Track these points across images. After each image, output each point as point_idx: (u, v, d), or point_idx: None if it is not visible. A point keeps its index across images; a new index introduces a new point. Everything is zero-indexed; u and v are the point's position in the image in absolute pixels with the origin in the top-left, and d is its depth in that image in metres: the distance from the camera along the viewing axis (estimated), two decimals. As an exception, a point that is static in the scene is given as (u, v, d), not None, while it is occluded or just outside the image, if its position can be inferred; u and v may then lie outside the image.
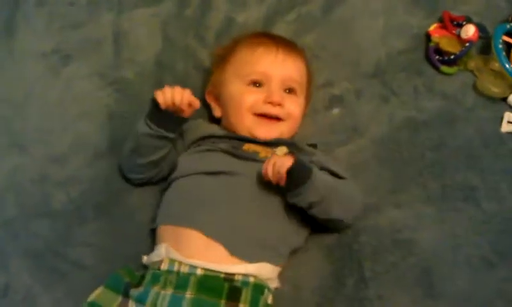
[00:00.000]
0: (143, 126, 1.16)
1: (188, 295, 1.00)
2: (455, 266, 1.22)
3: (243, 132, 1.22)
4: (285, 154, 1.18)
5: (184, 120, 1.18)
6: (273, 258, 1.11)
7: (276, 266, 1.12)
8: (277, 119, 1.21)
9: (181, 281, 1.02)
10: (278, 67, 1.22)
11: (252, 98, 1.21)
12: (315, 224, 1.18)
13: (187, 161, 1.19)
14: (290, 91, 1.23)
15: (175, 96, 1.13)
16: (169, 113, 1.14)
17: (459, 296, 1.20)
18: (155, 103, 1.13)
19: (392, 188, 1.28)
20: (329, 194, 1.09)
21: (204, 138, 1.23)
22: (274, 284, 1.12)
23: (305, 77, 1.28)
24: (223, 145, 1.19)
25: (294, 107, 1.23)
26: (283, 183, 1.05)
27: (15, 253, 1.23)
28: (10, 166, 1.30)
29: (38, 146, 1.31)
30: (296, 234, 1.17)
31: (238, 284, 1.04)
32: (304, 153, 1.21)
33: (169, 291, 1.01)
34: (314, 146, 1.27)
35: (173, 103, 1.13)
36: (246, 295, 1.02)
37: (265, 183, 1.11)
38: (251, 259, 1.07)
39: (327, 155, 1.28)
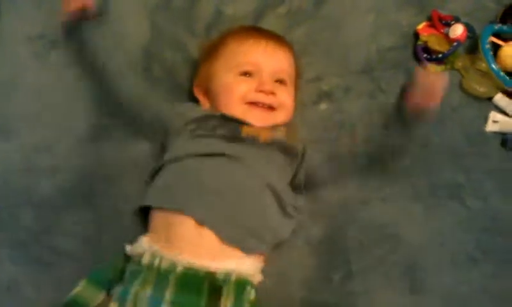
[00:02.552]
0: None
1: (168, 294, 0.99)
2: (440, 262, 1.24)
3: None
4: (282, 132, 1.19)
5: None
6: (259, 247, 1.11)
7: (256, 261, 1.11)
8: (271, 108, 1.20)
9: (160, 279, 1.01)
10: (268, 58, 1.22)
11: (244, 87, 1.20)
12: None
13: (183, 144, 1.17)
14: (281, 82, 1.23)
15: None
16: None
17: (444, 292, 1.22)
18: None
19: (379, 184, 1.29)
20: None
21: (201, 119, 1.20)
22: (256, 279, 1.11)
23: (294, 70, 1.28)
24: (221, 131, 1.17)
25: (285, 96, 1.22)
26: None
27: (0, 242, 1.21)
28: (-6, 153, 1.27)
29: (23, 133, 1.28)
30: (284, 224, 1.17)
31: (219, 281, 1.03)
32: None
33: (149, 290, 1.00)
34: None
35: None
36: (227, 292, 1.02)
37: (262, 170, 1.12)
38: (238, 245, 1.07)
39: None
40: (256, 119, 1.19)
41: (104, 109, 1.31)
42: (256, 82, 1.20)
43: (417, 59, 1.38)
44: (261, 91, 1.19)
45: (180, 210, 1.07)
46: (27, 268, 1.19)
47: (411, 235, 1.25)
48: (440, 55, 1.36)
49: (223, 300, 1.01)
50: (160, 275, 1.02)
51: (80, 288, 1.05)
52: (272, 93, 1.20)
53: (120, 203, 1.24)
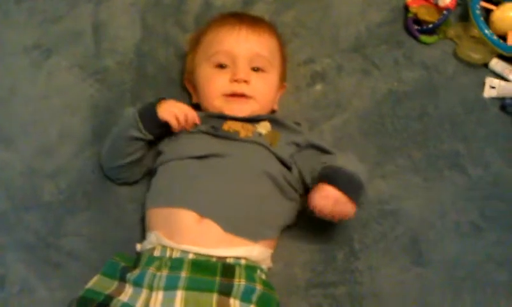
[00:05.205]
0: (133, 130, 1.17)
1: (183, 274, 1.01)
2: (443, 233, 1.24)
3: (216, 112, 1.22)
4: (269, 130, 1.20)
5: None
6: (265, 233, 1.12)
7: (266, 247, 1.13)
8: (245, 96, 1.21)
9: (175, 263, 1.03)
10: (242, 44, 1.22)
11: (219, 81, 1.21)
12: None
13: (172, 146, 1.19)
14: (258, 68, 1.23)
15: (188, 117, 1.18)
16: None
17: (448, 262, 1.22)
18: (154, 116, 1.16)
19: (378, 160, 1.29)
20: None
21: None
22: (267, 265, 1.14)
23: (277, 52, 1.27)
24: (203, 127, 1.19)
25: (261, 84, 1.22)
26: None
27: (10, 246, 1.24)
28: (-2, 161, 1.31)
29: (24, 140, 1.32)
30: (288, 208, 1.18)
31: (231, 263, 1.05)
32: (287, 130, 1.22)
33: (164, 272, 1.02)
34: (297, 124, 1.27)
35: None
36: (239, 271, 1.04)
37: (250, 162, 1.14)
38: (243, 234, 1.08)
39: (311, 131, 1.30)
40: (233, 110, 1.20)
41: (101, 111, 1.34)
42: (230, 72, 1.21)
43: (409, 31, 1.38)
44: (235, 81, 1.20)
45: (181, 206, 1.08)
46: (37, 269, 1.22)
47: (412, 209, 1.25)
48: (431, 26, 1.35)
49: (236, 277, 1.02)
50: (174, 261, 1.04)
51: (95, 280, 1.08)
52: (246, 81, 1.20)
53: (124, 203, 1.27)
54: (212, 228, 1.07)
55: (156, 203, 1.15)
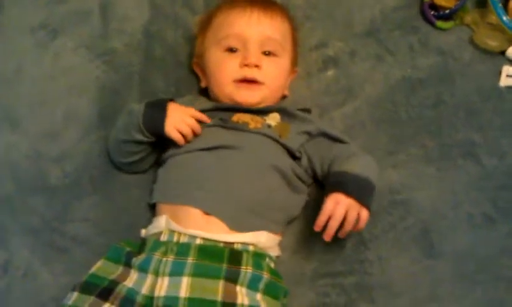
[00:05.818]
0: (136, 134, 1.14)
1: (190, 260, 1.00)
2: (455, 224, 1.21)
3: (226, 100, 1.19)
4: (278, 122, 1.17)
5: None
6: (271, 227, 1.10)
7: (274, 234, 1.11)
8: (256, 82, 1.17)
9: (182, 249, 1.02)
10: (253, 27, 1.18)
11: (230, 66, 1.17)
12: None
13: None
14: (269, 52, 1.19)
15: (195, 131, 1.14)
16: None
17: (460, 254, 1.19)
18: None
19: (390, 149, 1.26)
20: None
21: None
22: (275, 252, 1.12)
23: (289, 35, 1.24)
24: (212, 120, 1.17)
25: (272, 69, 1.19)
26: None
27: (14, 230, 1.23)
28: (4, 143, 1.29)
29: (30, 122, 1.30)
30: (294, 201, 1.17)
31: (238, 249, 1.04)
32: (297, 120, 1.19)
33: (170, 258, 1.01)
34: (307, 110, 1.24)
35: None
36: (247, 258, 1.02)
37: (258, 154, 1.12)
38: (248, 231, 1.07)
39: (322, 118, 1.27)
40: (242, 97, 1.17)
41: (107, 93, 1.32)
42: (241, 56, 1.17)
43: (424, 16, 1.34)
44: (245, 65, 1.16)
45: (187, 204, 1.07)
46: (42, 254, 1.21)
47: (424, 199, 1.22)
48: (448, 11, 1.32)
49: (243, 265, 1.01)
50: (181, 246, 1.03)
51: (99, 265, 1.07)
52: (257, 66, 1.16)
53: (130, 189, 1.25)
54: (217, 223, 1.06)
55: (163, 198, 1.13)
